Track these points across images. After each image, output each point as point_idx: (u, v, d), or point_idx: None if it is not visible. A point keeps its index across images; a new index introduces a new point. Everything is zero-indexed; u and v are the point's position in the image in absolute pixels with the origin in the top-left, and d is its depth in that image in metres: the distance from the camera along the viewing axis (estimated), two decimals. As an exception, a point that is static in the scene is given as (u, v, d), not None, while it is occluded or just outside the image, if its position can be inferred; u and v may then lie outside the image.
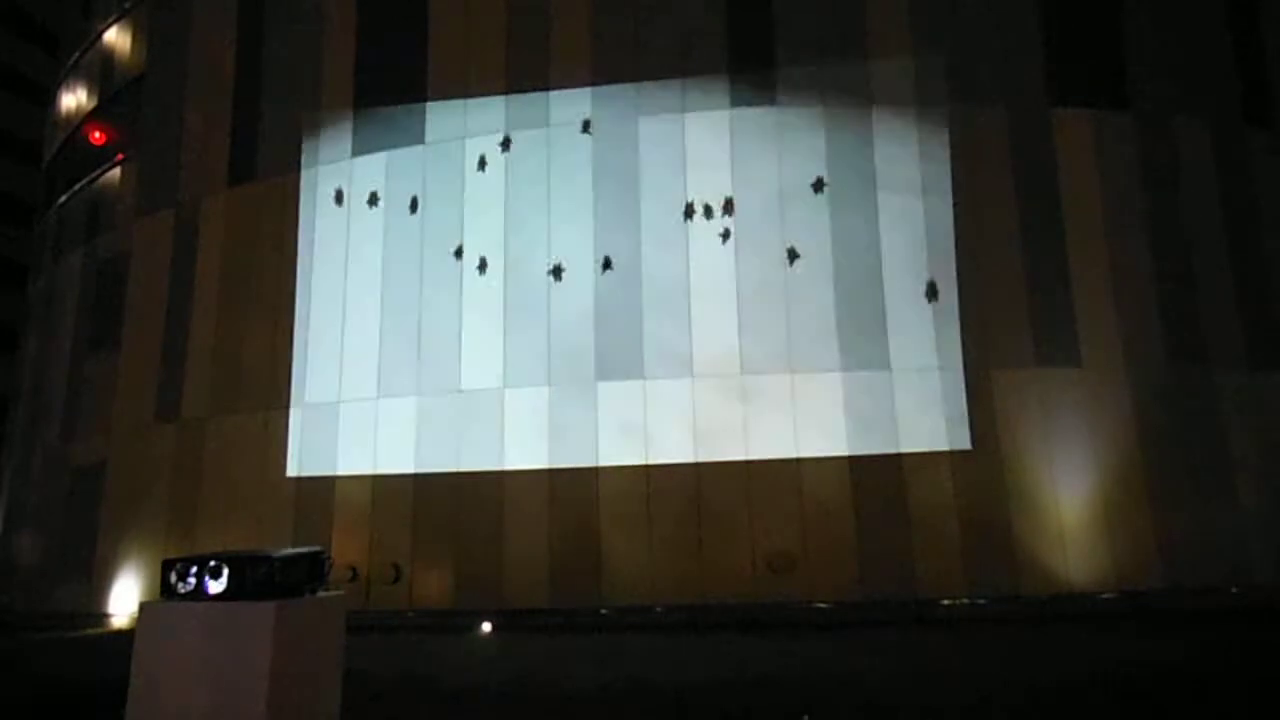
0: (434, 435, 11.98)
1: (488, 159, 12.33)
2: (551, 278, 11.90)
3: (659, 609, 10.82)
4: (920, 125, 11.70)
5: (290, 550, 4.69)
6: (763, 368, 11.22)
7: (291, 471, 12.68)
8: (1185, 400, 11.34)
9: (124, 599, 13.62)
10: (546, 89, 12.40)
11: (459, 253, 12.36)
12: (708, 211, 11.47)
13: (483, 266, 12.21)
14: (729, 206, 11.37)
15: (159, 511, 13.75)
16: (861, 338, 11.20)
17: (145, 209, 15.58)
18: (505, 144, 12.25)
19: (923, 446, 10.94)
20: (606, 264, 11.49)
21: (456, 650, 9.66)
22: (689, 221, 11.58)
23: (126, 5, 17.28)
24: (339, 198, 13.15)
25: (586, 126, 11.98)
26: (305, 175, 13.57)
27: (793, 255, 11.23)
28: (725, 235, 11.33)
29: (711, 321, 11.40)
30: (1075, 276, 11.46)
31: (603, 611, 10.95)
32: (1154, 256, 11.69)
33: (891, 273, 11.35)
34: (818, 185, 11.34)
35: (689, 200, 11.64)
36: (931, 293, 11.07)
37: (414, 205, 12.70)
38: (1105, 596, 10.54)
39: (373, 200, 12.78)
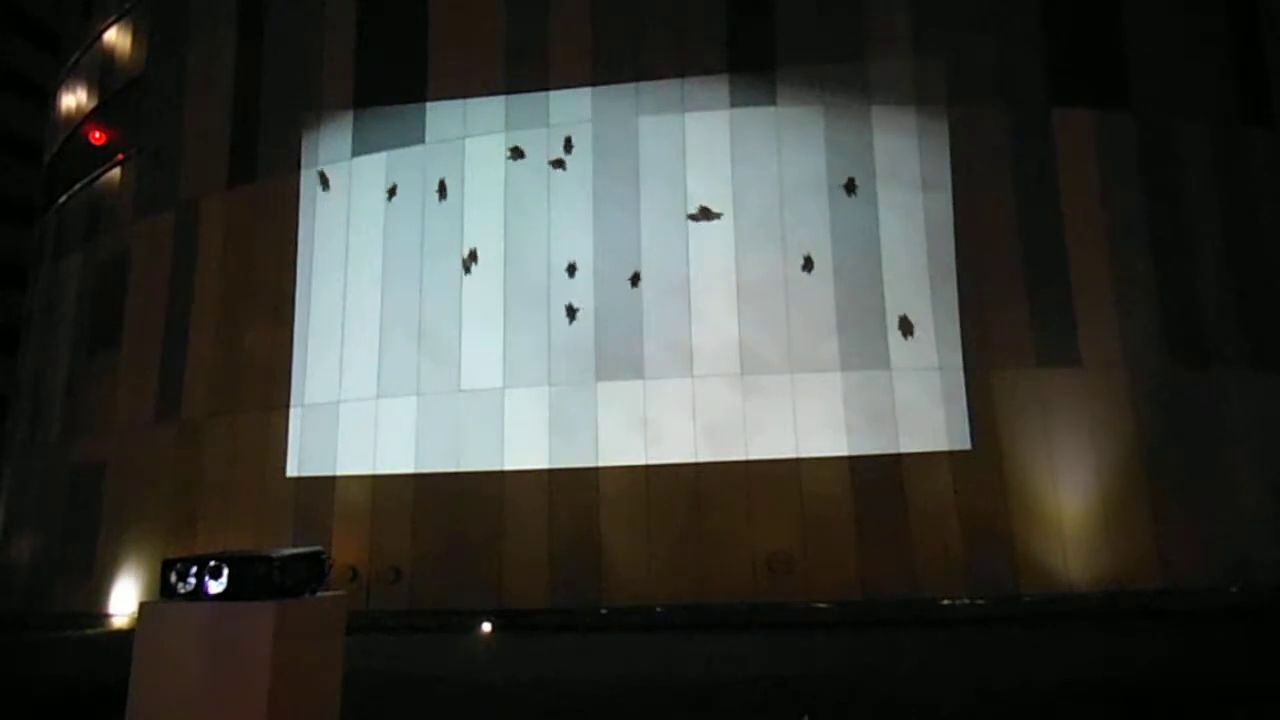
0: (434, 435, 11.97)
1: (525, 150, 12.26)
2: (551, 277, 11.89)
3: (659, 609, 10.82)
4: (920, 125, 11.70)
5: (290, 550, 4.69)
6: (763, 367, 11.22)
7: (291, 471, 12.68)
8: (1185, 400, 11.33)
9: (124, 599, 13.62)
10: (546, 89, 12.40)
11: (459, 253, 12.35)
12: (705, 213, 11.48)
13: (483, 266, 12.21)
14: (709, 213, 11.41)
15: (159, 511, 13.75)
16: (861, 337, 11.20)
17: (145, 209, 15.58)
18: (567, 144, 12.11)
19: (923, 446, 10.93)
20: (635, 280, 11.47)
21: (457, 650, 9.66)
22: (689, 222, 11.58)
23: (126, 5, 17.26)
24: (324, 182, 13.13)
25: (563, 159, 11.98)
26: (305, 175, 13.56)
27: (808, 263, 11.22)
28: (707, 215, 11.32)
29: (712, 321, 11.40)
30: (1075, 276, 11.45)
31: (603, 611, 10.94)
32: (1154, 256, 11.68)
33: (891, 272, 11.35)
34: (849, 186, 11.33)
35: (689, 203, 11.63)
36: (905, 327, 11.08)
37: (414, 204, 12.69)
38: (1105, 596, 10.53)
39: (392, 193, 12.69)
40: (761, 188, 11.63)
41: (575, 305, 11.65)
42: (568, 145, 12.06)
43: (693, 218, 11.49)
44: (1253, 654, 7.97)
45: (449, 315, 12.24)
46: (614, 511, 11.20)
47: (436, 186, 12.54)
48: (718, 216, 11.51)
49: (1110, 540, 10.73)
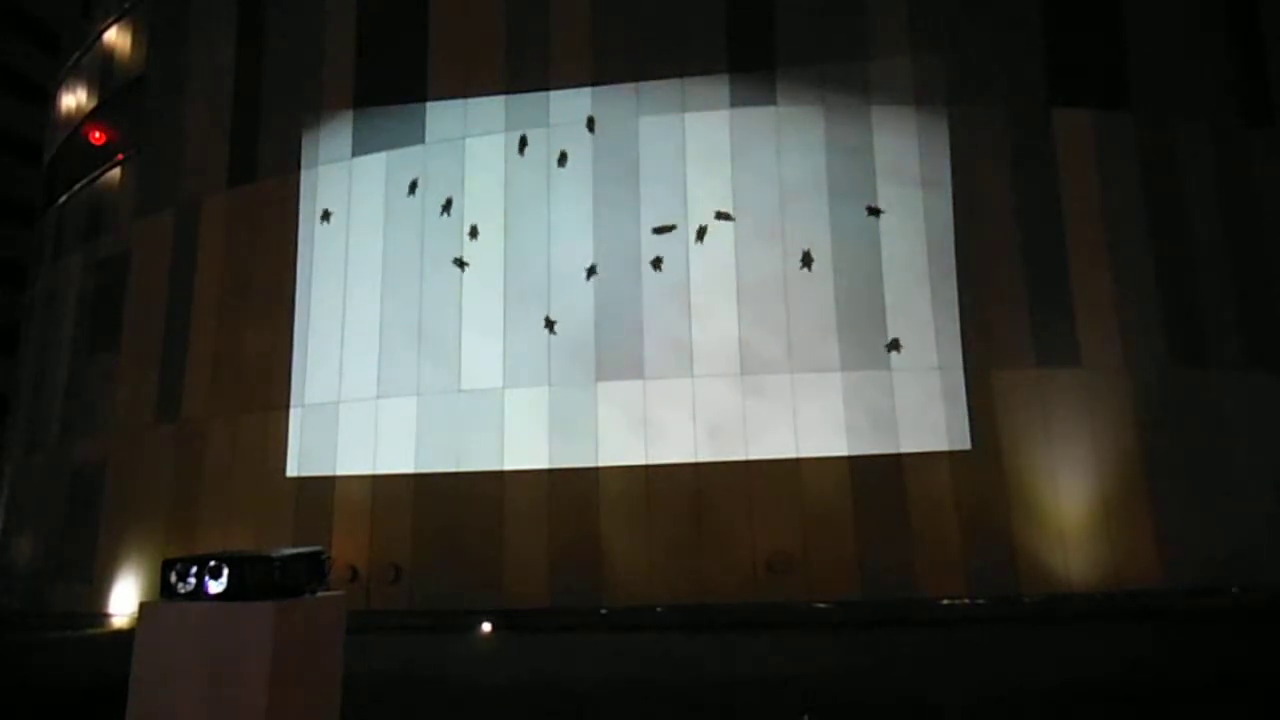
0: (434, 435, 11.97)
1: (529, 142, 12.22)
2: (551, 277, 11.89)
3: (659, 609, 10.82)
4: (920, 125, 11.69)
5: (290, 550, 4.68)
6: (763, 367, 11.21)
7: (291, 471, 12.68)
8: (1185, 400, 11.33)
9: (124, 599, 13.62)
10: (546, 89, 12.39)
11: (459, 253, 12.35)
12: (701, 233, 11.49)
13: (483, 266, 12.20)
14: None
15: (159, 511, 13.75)
16: (861, 338, 11.20)
17: (145, 209, 15.58)
18: (590, 123, 12.03)
19: (923, 446, 10.93)
20: (656, 263, 11.43)
21: (457, 650, 9.66)
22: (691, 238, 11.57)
23: (126, 5, 17.27)
24: (325, 216, 13.16)
25: (591, 125, 11.95)
26: (305, 175, 13.56)
27: (806, 259, 11.22)
28: (701, 235, 11.33)
29: (712, 321, 11.40)
30: (1075, 276, 11.45)
31: (603, 611, 10.94)
32: (1154, 257, 11.68)
33: (892, 273, 11.35)
34: (873, 210, 11.32)
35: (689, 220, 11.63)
36: (894, 346, 11.07)
37: (415, 204, 12.69)
38: (1105, 596, 10.53)
39: (413, 187, 12.62)
40: (761, 188, 11.63)
41: (554, 319, 11.65)
42: (590, 124, 11.97)
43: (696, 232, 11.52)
44: (1252, 653, 7.97)
45: (449, 315, 12.24)
46: (614, 511, 11.20)
47: (442, 203, 12.49)
48: (729, 218, 11.50)
49: (1110, 540, 10.73)
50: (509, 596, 11.22)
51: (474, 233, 12.19)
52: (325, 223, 13.19)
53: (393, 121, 13.05)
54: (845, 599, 10.59)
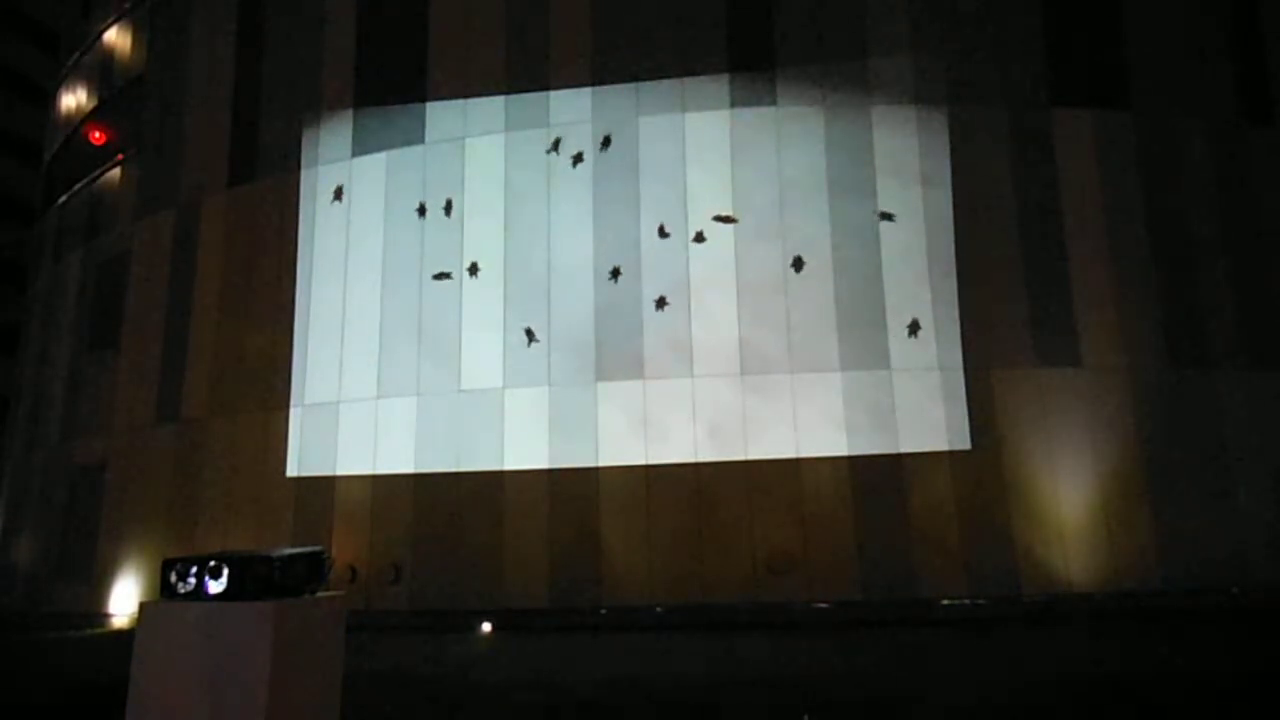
0: (434, 435, 11.97)
1: (564, 145, 12.18)
2: (551, 277, 11.89)
3: (659, 609, 10.82)
4: (920, 124, 11.70)
5: (290, 550, 4.68)
6: (763, 367, 11.21)
7: (291, 471, 12.68)
8: (1185, 400, 11.33)
9: (124, 599, 13.62)
10: (546, 89, 12.40)
11: (459, 253, 12.35)
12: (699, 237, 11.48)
13: (483, 267, 12.20)
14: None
15: (159, 511, 13.75)
16: (861, 337, 11.20)
17: (145, 209, 15.59)
18: (605, 143, 11.97)
19: (923, 446, 10.93)
20: (660, 302, 11.41)
21: (457, 650, 9.67)
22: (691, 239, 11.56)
23: (126, 5, 17.28)
24: (338, 194, 13.14)
25: (606, 143, 11.93)
26: (305, 175, 13.56)
27: (799, 264, 11.23)
28: (700, 238, 11.34)
29: (712, 321, 11.40)
30: (1075, 276, 11.46)
31: (603, 611, 10.95)
32: (1154, 256, 11.68)
33: (892, 272, 11.35)
34: (885, 215, 11.32)
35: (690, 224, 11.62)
36: (913, 328, 11.07)
37: (415, 205, 12.70)
38: (1105, 596, 10.53)
39: (421, 211, 12.65)
40: (762, 187, 11.63)
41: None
42: (606, 143, 11.97)
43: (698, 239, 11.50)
44: (1251, 654, 7.97)
45: (449, 315, 12.24)
46: (614, 511, 11.20)
47: (443, 204, 12.49)
48: (733, 221, 11.50)
49: (1110, 540, 10.74)
50: (509, 596, 11.22)
51: (474, 268, 12.14)
52: (337, 201, 13.12)
53: (393, 121, 13.06)
54: (845, 599, 10.59)
